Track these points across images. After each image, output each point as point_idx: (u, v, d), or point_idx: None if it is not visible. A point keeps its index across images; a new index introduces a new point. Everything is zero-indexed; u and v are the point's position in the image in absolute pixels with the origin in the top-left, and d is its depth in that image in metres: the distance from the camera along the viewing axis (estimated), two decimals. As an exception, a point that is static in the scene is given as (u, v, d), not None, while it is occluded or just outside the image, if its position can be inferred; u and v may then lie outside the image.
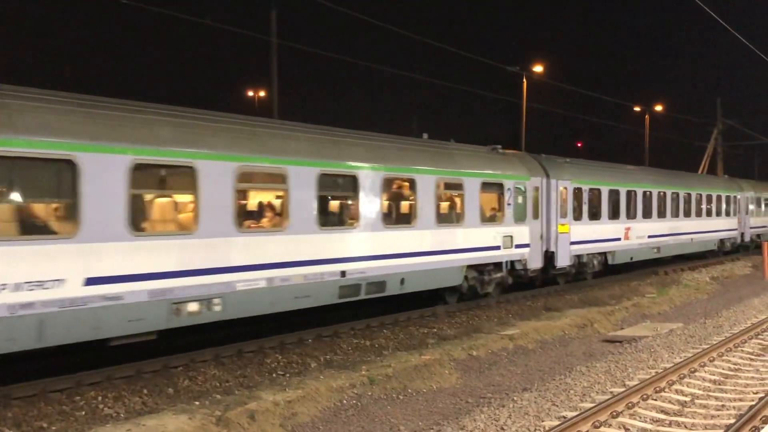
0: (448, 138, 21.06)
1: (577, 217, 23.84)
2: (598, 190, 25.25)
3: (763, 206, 43.66)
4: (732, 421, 9.60)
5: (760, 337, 15.83)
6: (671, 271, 30.07)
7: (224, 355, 13.36)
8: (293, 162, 14.15)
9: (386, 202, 16.59)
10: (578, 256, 24.08)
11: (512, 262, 20.50)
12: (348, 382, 11.66)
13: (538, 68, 41.60)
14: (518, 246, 20.52)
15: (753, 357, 13.96)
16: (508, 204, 20.18)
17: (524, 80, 40.48)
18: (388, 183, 16.53)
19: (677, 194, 31.32)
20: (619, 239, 26.42)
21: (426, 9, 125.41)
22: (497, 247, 19.71)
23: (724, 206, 36.91)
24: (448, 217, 18.31)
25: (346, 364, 12.93)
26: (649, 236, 28.51)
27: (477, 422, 10.00)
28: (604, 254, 25.81)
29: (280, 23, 28.13)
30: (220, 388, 11.56)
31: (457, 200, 18.71)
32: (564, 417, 9.88)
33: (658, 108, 57.10)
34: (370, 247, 15.76)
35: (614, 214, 26.13)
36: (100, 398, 10.85)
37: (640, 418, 10.00)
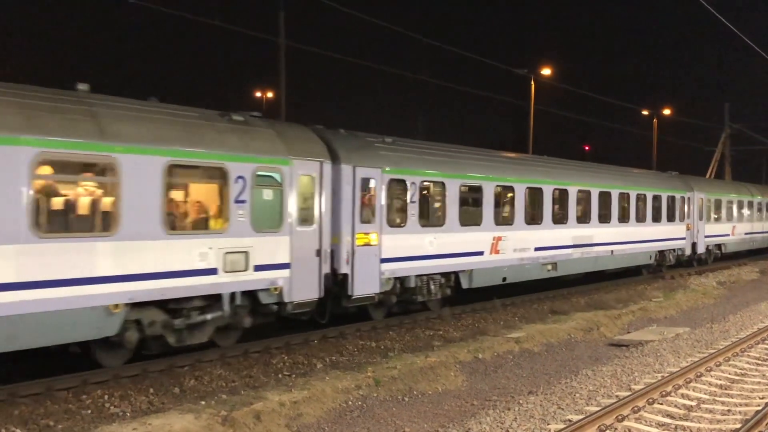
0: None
1: (398, 222, 16.78)
2: (441, 183, 18.03)
3: (724, 210, 35.37)
4: (738, 425, 9.59)
5: (766, 342, 15.79)
6: (678, 275, 29.97)
7: (230, 355, 13.38)
8: None
9: None
10: (400, 279, 16.97)
11: (254, 293, 13.56)
12: (353, 383, 11.67)
13: (546, 71, 41.55)
14: (264, 268, 13.52)
15: (759, 362, 13.93)
16: (239, 201, 13.15)
17: (532, 83, 40.46)
18: None
19: (587, 192, 23.91)
20: (480, 253, 19.22)
21: (434, 11, 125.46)
22: (210, 271, 12.63)
23: (665, 209, 29.29)
24: (77, 223, 11.09)
25: (352, 366, 12.94)
26: (538, 248, 21.38)
27: (482, 425, 10.00)
28: (453, 274, 18.68)
29: (289, 24, 28.20)
30: (226, 388, 11.58)
31: (106, 194, 11.40)
32: (570, 420, 9.87)
33: (667, 112, 56.97)
34: None
35: (472, 219, 18.97)
36: (106, 397, 10.88)
37: (646, 422, 9.99)
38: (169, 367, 12.39)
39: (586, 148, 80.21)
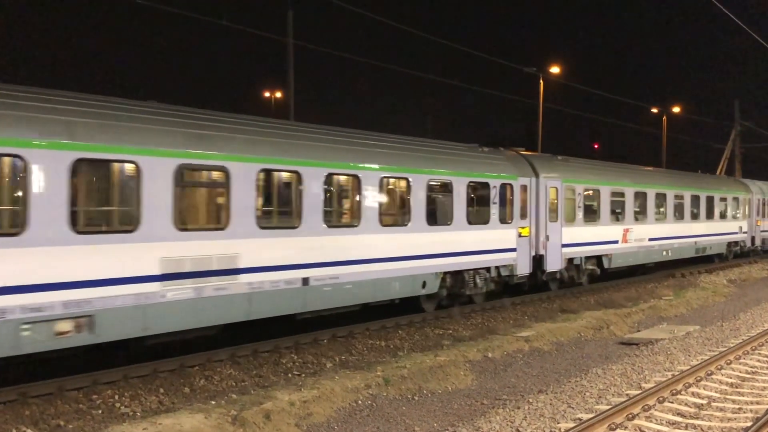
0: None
1: None
2: None
3: (606, 206, 24.11)
4: (748, 424, 9.54)
5: (778, 340, 15.71)
6: (688, 273, 29.84)
7: (240, 355, 13.41)
8: None
9: None
10: None
11: None
12: (363, 382, 11.67)
13: (555, 69, 41.49)
14: None
15: (771, 360, 13.86)
16: None
17: (541, 81, 40.40)
18: None
19: (223, 171, 12.61)
20: None
21: (442, 10, 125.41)
22: None
23: (464, 204, 18.14)
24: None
25: (361, 365, 12.95)
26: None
27: (492, 423, 9.99)
28: None
29: (297, 24, 28.23)
30: (236, 388, 11.61)
31: None
32: (579, 419, 9.85)
33: (676, 110, 56.74)
34: None
35: None
36: (116, 397, 10.92)
37: (656, 420, 9.96)
38: (179, 366, 12.44)
39: (596, 146, 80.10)
